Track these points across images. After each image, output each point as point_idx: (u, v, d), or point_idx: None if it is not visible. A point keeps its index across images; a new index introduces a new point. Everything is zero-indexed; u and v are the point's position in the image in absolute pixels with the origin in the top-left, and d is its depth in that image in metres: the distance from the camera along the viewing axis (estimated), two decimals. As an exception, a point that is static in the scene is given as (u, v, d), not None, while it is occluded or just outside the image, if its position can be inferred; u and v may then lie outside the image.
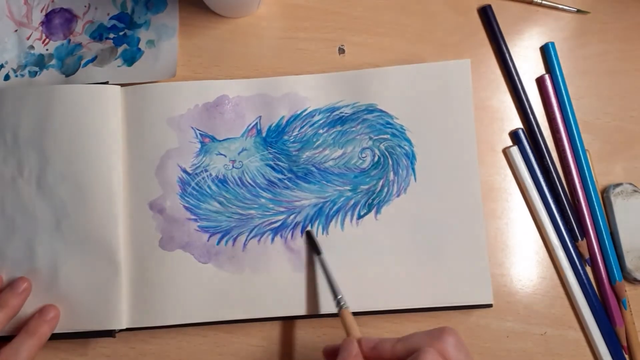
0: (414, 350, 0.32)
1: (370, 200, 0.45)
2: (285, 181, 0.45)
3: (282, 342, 0.45)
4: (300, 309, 0.43)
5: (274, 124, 0.46)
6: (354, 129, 0.46)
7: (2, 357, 0.39)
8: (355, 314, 0.43)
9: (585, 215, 0.45)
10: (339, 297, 0.40)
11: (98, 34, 0.49)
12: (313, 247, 0.44)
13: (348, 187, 0.45)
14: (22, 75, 0.48)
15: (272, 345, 0.45)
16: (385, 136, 0.45)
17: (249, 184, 0.45)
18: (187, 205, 0.45)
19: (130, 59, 0.48)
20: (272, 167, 0.45)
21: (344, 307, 0.40)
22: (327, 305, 0.43)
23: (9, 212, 0.44)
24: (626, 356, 0.44)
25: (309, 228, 0.44)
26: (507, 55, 0.48)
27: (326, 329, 0.45)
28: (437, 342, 0.33)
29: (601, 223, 0.45)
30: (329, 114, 0.46)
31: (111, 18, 0.49)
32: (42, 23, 0.49)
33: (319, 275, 0.43)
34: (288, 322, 0.45)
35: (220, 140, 0.45)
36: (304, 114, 0.46)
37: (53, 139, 0.44)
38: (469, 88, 0.46)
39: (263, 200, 0.45)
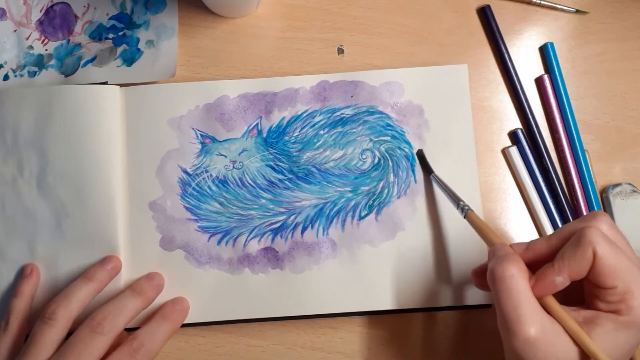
0: (570, 236, 0.32)
1: (370, 202, 0.45)
2: (286, 182, 0.45)
3: (282, 342, 0.45)
4: (301, 309, 0.43)
5: (274, 125, 0.46)
6: (354, 130, 0.46)
7: (140, 339, 0.39)
8: (355, 314, 0.44)
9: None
10: (461, 202, 0.39)
11: (97, 34, 0.49)
12: (425, 166, 0.45)
13: (348, 188, 0.45)
14: (22, 76, 0.48)
15: (272, 345, 0.45)
16: (385, 138, 0.46)
17: (250, 184, 0.45)
18: (187, 205, 0.45)
19: (129, 59, 0.48)
20: (273, 168, 0.45)
21: (467, 211, 0.38)
22: (327, 305, 0.43)
23: (9, 213, 0.44)
24: (625, 355, 0.44)
25: (421, 149, 0.45)
26: (506, 55, 0.48)
27: (325, 329, 0.45)
28: (592, 221, 0.32)
29: (600, 223, 0.45)
30: (329, 115, 0.46)
31: (110, 18, 0.49)
32: (41, 23, 0.49)
33: (321, 275, 0.44)
34: (288, 322, 0.45)
35: (220, 141, 0.45)
36: (305, 114, 0.46)
37: (53, 139, 0.44)
38: (466, 91, 0.46)
39: (263, 200, 0.45)
